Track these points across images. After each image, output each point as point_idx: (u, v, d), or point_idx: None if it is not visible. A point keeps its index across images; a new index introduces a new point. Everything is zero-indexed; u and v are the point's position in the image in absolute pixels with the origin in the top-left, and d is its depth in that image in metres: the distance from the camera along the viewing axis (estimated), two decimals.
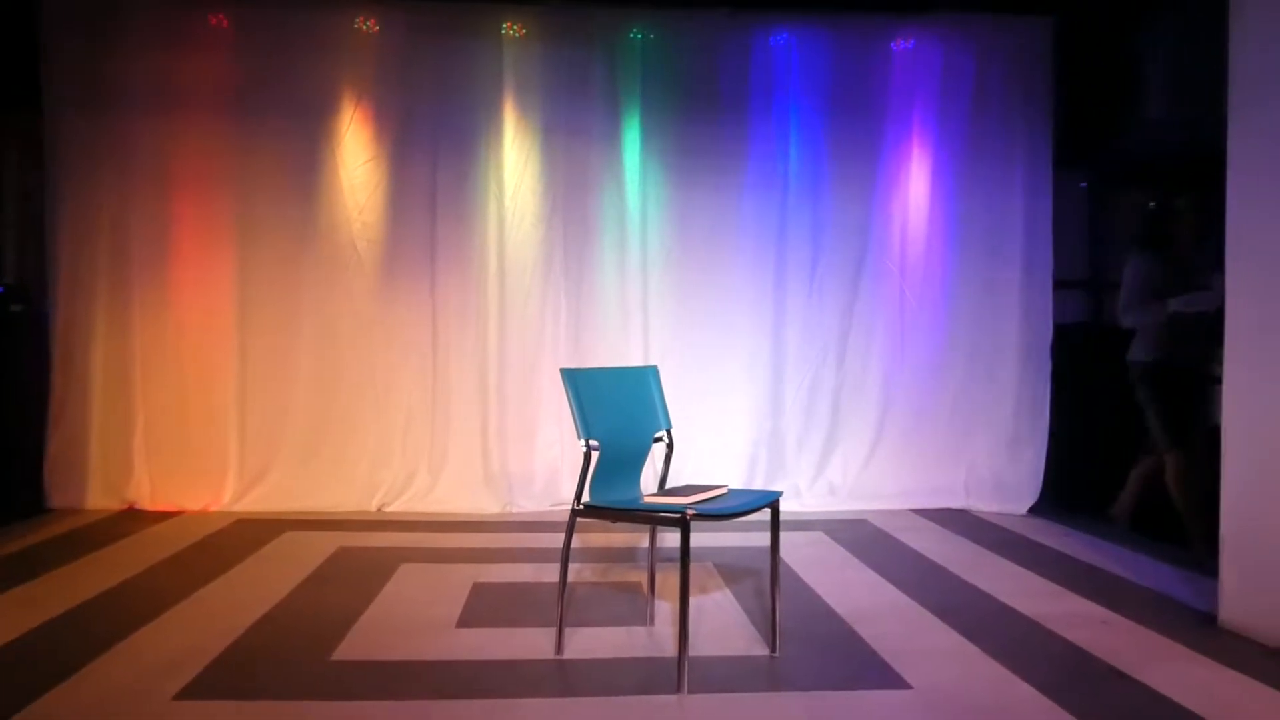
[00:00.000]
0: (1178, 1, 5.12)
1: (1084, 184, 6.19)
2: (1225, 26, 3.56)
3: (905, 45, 5.83)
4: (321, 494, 5.60)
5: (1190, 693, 2.92)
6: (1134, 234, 5.14)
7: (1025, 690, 2.96)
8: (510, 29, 5.66)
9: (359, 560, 4.53)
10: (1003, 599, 3.94)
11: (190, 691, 2.92)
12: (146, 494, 5.56)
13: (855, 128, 5.84)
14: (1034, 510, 5.69)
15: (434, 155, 5.67)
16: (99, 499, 5.54)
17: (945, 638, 3.47)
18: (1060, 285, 5.91)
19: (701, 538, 4.78)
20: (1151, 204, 5.12)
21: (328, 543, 4.83)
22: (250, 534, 5.00)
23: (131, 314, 5.56)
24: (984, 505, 5.78)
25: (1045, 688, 2.97)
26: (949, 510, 5.74)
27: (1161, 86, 5.57)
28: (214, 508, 5.55)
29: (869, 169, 5.86)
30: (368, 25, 5.61)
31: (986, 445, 5.87)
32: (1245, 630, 3.43)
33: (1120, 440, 5.76)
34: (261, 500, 5.59)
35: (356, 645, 3.36)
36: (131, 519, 5.32)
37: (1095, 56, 5.85)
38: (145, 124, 5.51)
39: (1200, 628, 3.55)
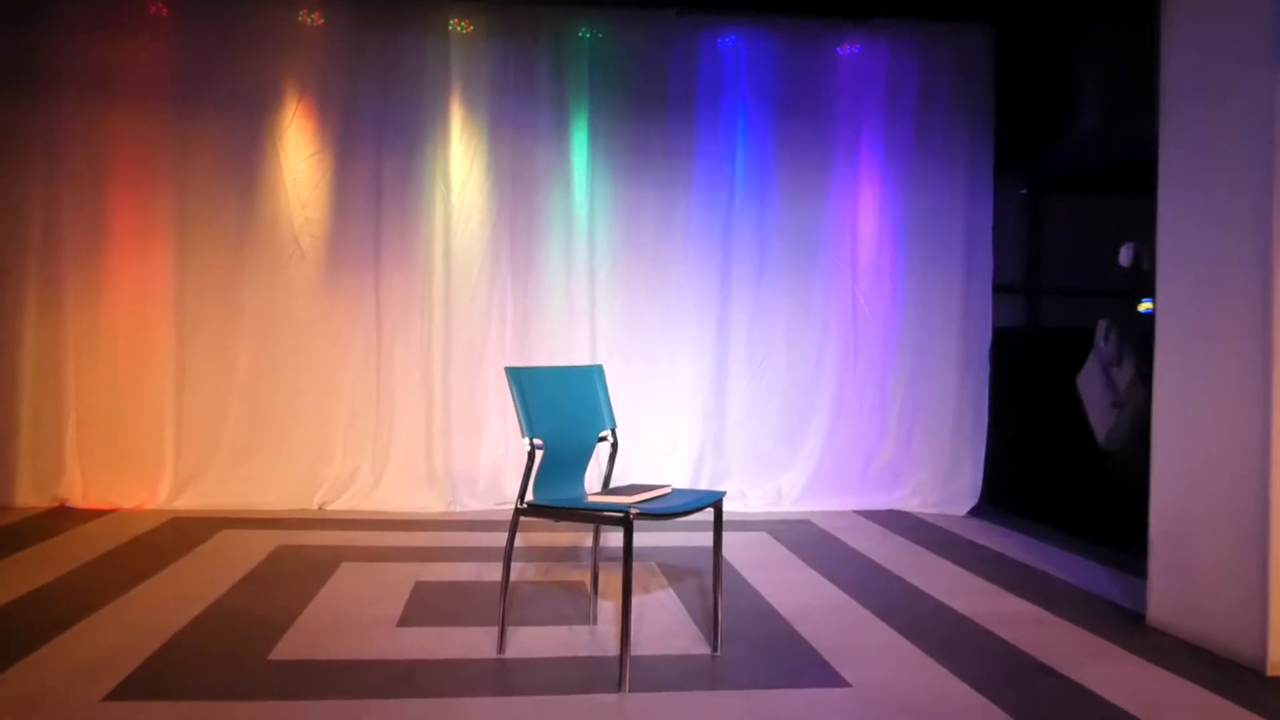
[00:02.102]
0: (1113, 13, 5.23)
1: (1024, 190, 6.31)
2: (1158, 39, 3.66)
3: (851, 50, 5.90)
4: (260, 492, 5.51)
5: (1119, 689, 2.99)
6: None
7: (960, 687, 3.01)
8: (457, 25, 5.62)
9: (298, 559, 4.47)
10: (940, 598, 4.00)
11: (121, 692, 2.86)
12: (78, 491, 5.42)
13: (802, 130, 5.89)
14: (973, 511, 5.79)
15: (379, 151, 5.62)
16: (28, 496, 5.40)
17: (884, 636, 3.52)
18: (999, 290, 6.02)
19: (645, 537, 4.79)
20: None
21: (266, 541, 4.75)
22: (186, 532, 4.91)
23: (64, 307, 5.43)
24: (925, 506, 5.86)
25: (979, 685, 3.02)
26: (891, 511, 5.81)
27: (1098, 96, 5.70)
28: (149, 506, 5.44)
29: (816, 171, 5.91)
30: (312, 18, 5.53)
31: (929, 447, 5.95)
32: (1172, 629, 3.52)
33: (1057, 442, 5.90)
34: (198, 498, 5.48)
35: (294, 645, 3.31)
36: (62, 517, 5.20)
37: (1034, 65, 5.97)
38: (78, 111, 5.39)
39: (1129, 626, 3.64)
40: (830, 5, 5.74)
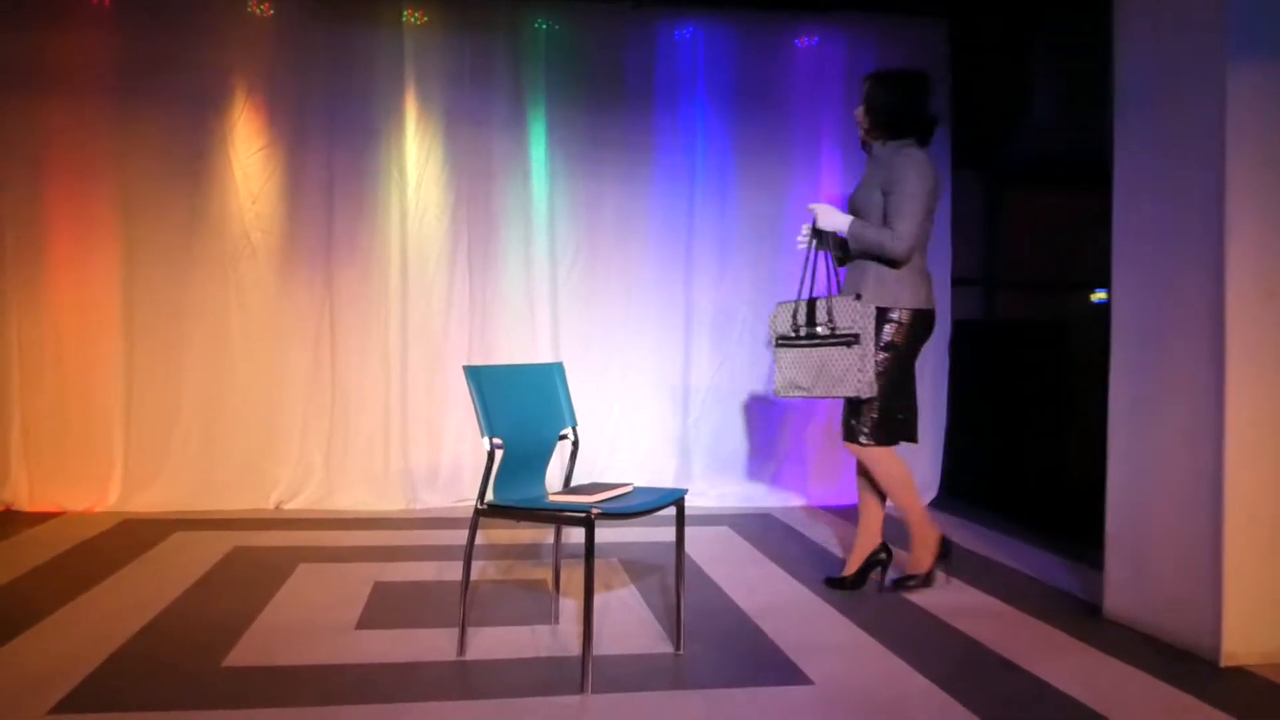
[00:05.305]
0: (1067, 7, 5.28)
1: (981, 183, 6.35)
2: (1111, 35, 3.68)
3: (809, 42, 5.89)
4: (214, 492, 5.42)
5: (1076, 682, 3.02)
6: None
7: (920, 682, 3.02)
8: (411, 16, 5.54)
9: (254, 561, 4.39)
10: (900, 592, 4.02)
11: (68, 704, 2.78)
12: (25, 494, 5.30)
13: (762, 122, 5.87)
14: (932, 504, 5.82)
15: (331, 144, 5.53)
16: None
17: (845, 632, 3.53)
18: (958, 283, 6.06)
19: (607, 533, 4.78)
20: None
21: (221, 543, 4.67)
22: (138, 535, 4.81)
23: (7, 306, 5.29)
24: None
25: (940, 679, 3.03)
26: (851, 505, 5.82)
27: (1052, 90, 5.74)
28: (98, 508, 5.32)
29: (777, 163, 5.89)
30: (261, 9, 5.42)
31: None
32: (1128, 621, 3.56)
33: (1015, 434, 5.95)
34: (150, 500, 5.38)
35: (250, 650, 3.25)
36: (7, 521, 5.07)
37: (989, 59, 6.01)
38: (16, 106, 5.24)
39: (1086, 619, 3.67)
40: None
